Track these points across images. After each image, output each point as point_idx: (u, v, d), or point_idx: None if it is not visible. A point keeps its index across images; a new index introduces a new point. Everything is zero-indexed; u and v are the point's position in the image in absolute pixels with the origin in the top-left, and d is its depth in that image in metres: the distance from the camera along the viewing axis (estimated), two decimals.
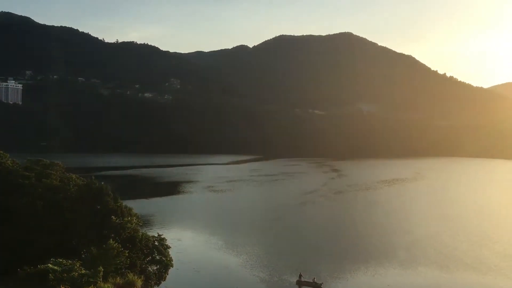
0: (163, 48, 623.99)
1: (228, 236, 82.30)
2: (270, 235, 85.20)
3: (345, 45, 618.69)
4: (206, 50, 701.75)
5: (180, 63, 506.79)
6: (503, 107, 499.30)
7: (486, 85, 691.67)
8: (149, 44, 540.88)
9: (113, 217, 41.38)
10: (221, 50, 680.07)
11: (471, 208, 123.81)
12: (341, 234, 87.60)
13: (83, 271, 28.74)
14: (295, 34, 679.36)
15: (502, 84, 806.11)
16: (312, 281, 56.37)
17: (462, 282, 60.30)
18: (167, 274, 45.08)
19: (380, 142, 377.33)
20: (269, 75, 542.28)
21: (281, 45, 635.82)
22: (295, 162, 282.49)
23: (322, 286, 55.88)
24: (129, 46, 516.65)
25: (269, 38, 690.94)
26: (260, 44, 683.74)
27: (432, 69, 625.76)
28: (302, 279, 56.83)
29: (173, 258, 46.13)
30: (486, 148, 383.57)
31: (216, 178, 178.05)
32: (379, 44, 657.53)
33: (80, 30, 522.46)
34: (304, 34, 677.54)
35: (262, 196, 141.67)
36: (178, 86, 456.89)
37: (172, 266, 45.46)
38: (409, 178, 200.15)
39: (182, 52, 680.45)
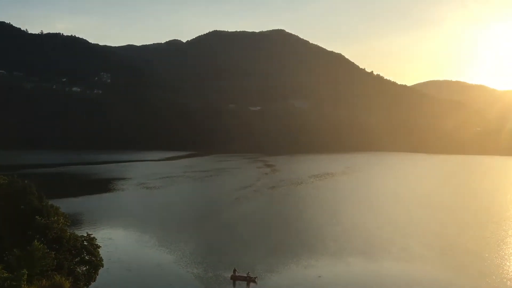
0: (91, 40, 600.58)
1: (161, 234, 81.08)
2: (203, 232, 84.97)
3: (278, 42, 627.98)
4: (138, 43, 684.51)
5: (111, 57, 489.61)
6: (425, 104, 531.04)
7: (409, 83, 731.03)
8: (76, 36, 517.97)
9: (37, 217, 39.38)
10: (153, 44, 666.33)
11: (396, 200, 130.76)
12: (274, 228, 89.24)
13: (6, 275, 27.24)
14: (229, 30, 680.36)
15: (424, 82, 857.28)
16: (246, 275, 56.99)
17: (387, 270, 63.41)
18: (97, 275, 43.60)
19: (312, 138, 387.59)
20: (203, 70, 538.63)
21: (215, 40, 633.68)
22: (229, 157, 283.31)
23: (256, 280, 56.63)
24: (55, 38, 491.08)
25: (202, 33, 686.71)
26: (194, 39, 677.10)
27: (360, 67, 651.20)
28: (237, 274, 57.28)
29: (103, 257, 44.66)
30: (411, 143, 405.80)
31: (148, 175, 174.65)
32: (311, 42, 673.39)
33: (0, 19, 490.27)
34: (238, 30, 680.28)
35: (196, 192, 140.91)
36: (109, 81, 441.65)
37: (102, 266, 44.03)
38: (339, 172, 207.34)
39: (112, 45, 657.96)
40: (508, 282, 58.67)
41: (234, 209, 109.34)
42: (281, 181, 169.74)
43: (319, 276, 59.42)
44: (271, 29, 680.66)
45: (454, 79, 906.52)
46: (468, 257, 70.60)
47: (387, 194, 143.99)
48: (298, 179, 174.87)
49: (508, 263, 67.22)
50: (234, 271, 57.56)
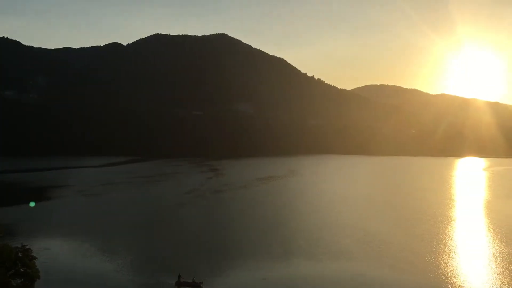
0: (25, 42, 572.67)
1: (102, 242, 78.78)
2: (146, 238, 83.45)
3: (221, 46, 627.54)
4: (76, 46, 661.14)
5: (47, 60, 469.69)
6: (364, 107, 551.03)
7: (349, 87, 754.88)
8: (9, 38, 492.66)
9: None
10: (92, 47, 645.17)
11: (338, 201, 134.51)
12: (219, 233, 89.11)
13: None
14: (171, 34, 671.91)
15: (362, 87, 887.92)
16: (191, 281, 56.59)
17: (329, 270, 65.20)
18: (33, 287, 41.90)
19: (257, 141, 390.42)
20: (144, 73, 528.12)
21: (156, 43, 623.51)
22: (174, 162, 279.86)
23: (201, 285, 56.38)
24: None
25: (144, 37, 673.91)
26: (135, 42, 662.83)
27: (302, 71, 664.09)
28: (182, 280, 56.73)
29: (40, 269, 42.99)
30: (352, 145, 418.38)
31: (89, 182, 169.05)
32: (254, 46, 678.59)
33: None
34: (180, 34, 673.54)
35: (139, 198, 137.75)
36: (45, 84, 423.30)
37: (38, 277, 42.37)
38: (283, 176, 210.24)
39: (48, 47, 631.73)
40: (441, 276, 61.93)
41: (178, 214, 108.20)
42: (225, 185, 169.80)
43: (264, 279, 60.05)
44: (214, 33, 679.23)
45: (390, 84, 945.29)
46: (403, 253, 73.93)
47: (329, 195, 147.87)
48: (243, 183, 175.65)
49: (440, 259, 70.93)
50: (179, 277, 56.97)
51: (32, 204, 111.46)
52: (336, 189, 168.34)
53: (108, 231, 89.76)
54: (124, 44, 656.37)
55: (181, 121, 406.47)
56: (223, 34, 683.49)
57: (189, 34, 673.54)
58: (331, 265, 67.06)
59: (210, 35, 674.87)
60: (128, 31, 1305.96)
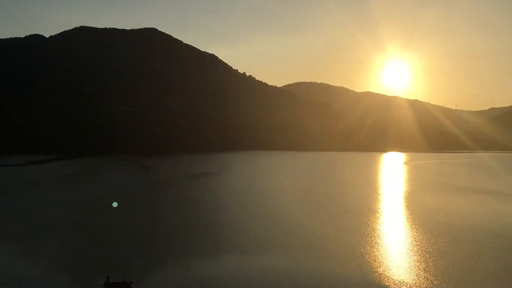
0: None
1: (24, 244, 74.51)
2: (74, 239, 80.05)
3: (151, 40, 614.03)
4: None
5: None
6: (295, 104, 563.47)
7: (279, 84, 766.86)
8: None
9: None
10: (11, 38, 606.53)
11: (269, 196, 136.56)
12: (150, 231, 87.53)
13: None
14: (98, 26, 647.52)
15: (293, 84, 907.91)
16: (121, 281, 55.25)
17: (261, 264, 66.25)
18: None
19: (188, 138, 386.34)
20: (68, 67, 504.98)
21: (81, 36, 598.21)
22: (101, 160, 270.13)
23: (131, 285, 55.20)
24: None
25: (68, 29, 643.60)
26: (58, 34, 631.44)
27: (233, 68, 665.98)
28: (110, 281, 55.21)
29: None
30: (284, 141, 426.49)
31: (8, 181, 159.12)
32: (184, 42, 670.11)
33: None
34: (108, 27, 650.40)
35: (62, 198, 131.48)
36: None
37: None
38: (215, 172, 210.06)
39: None
40: (364, 266, 65.23)
41: (106, 214, 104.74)
42: (156, 182, 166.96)
43: (196, 276, 59.92)
44: (143, 27, 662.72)
45: (318, 81, 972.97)
46: (331, 245, 77.04)
47: (261, 191, 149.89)
48: (174, 180, 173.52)
49: (365, 249, 74.57)
50: (108, 277, 55.40)
51: None
52: (267, 184, 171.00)
53: (33, 232, 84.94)
54: (47, 36, 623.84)
55: (109, 117, 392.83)
56: (153, 28, 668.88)
57: (117, 28, 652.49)
58: (262, 259, 68.22)
59: (139, 29, 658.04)
60: (51, 23, 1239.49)
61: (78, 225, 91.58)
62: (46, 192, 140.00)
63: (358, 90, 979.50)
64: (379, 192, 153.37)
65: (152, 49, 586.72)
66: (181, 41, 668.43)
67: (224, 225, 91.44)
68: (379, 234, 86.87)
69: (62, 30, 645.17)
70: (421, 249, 75.02)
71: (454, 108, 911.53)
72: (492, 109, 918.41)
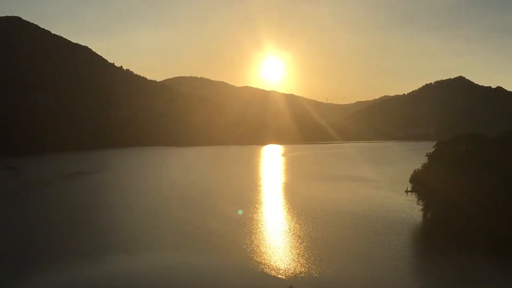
0: None
1: None
2: None
3: (13, 31, 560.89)
4: None
5: None
6: (175, 98, 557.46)
7: (158, 79, 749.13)
8: None
9: None
10: None
11: (150, 193, 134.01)
12: (22, 237, 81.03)
13: None
14: None
15: (173, 78, 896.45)
16: None
17: (144, 262, 65.50)
18: None
19: (58, 135, 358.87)
20: None
21: None
22: None
23: None
24: None
25: None
26: None
27: (109, 61, 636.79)
28: None
29: None
30: (165, 137, 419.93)
31: None
32: (53, 32, 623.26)
33: None
34: None
35: None
36: None
37: None
38: (92, 171, 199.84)
39: None
40: (244, 255, 68.00)
41: None
42: (26, 184, 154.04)
43: (75, 279, 57.38)
44: (4, 16, 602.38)
45: (199, 76, 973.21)
46: (212, 237, 79.15)
47: (141, 188, 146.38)
48: (46, 181, 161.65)
49: (246, 240, 77.69)
50: None
51: None
52: (148, 181, 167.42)
53: None
54: None
55: None
56: (17, 17, 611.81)
57: None
58: (145, 258, 67.39)
59: (0, 17, 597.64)
60: None
61: None
62: None
63: (237, 85, 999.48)
64: (259, 184, 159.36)
65: (16, 40, 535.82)
66: (49, 31, 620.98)
67: (103, 225, 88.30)
68: (259, 224, 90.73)
69: None
70: (298, 234, 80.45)
71: (325, 102, 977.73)
72: (358, 102, 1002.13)
